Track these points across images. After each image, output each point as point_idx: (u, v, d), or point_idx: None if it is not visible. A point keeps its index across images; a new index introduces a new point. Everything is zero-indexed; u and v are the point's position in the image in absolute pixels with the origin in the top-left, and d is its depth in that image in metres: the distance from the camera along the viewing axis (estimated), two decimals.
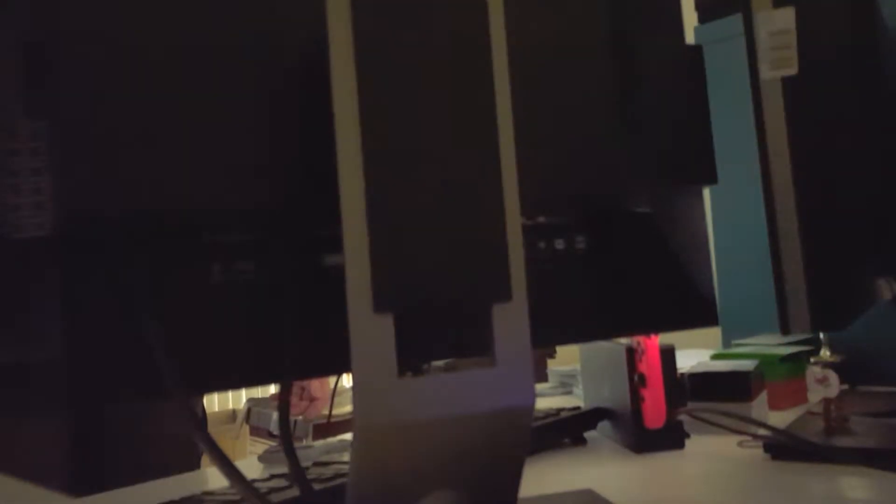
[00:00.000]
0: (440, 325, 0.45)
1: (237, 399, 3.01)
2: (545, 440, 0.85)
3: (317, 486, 0.63)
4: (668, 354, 0.80)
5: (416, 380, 0.40)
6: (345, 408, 2.12)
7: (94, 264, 0.39)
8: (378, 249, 0.39)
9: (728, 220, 1.37)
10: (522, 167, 0.43)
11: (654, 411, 0.78)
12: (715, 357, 1.03)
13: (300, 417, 1.21)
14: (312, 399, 1.18)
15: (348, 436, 1.01)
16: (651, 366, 0.79)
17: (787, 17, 0.59)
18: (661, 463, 0.75)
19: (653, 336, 0.79)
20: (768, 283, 0.60)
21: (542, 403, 1.08)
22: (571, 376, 1.27)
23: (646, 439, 0.79)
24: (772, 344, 1.07)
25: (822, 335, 0.79)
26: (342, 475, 0.66)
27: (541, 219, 0.52)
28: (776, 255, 0.60)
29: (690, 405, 0.85)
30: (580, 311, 0.53)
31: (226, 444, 2.61)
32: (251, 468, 0.88)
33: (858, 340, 0.98)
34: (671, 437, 0.79)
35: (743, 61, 0.61)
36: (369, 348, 0.39)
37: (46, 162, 0.39)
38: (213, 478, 0.88)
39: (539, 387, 1.30)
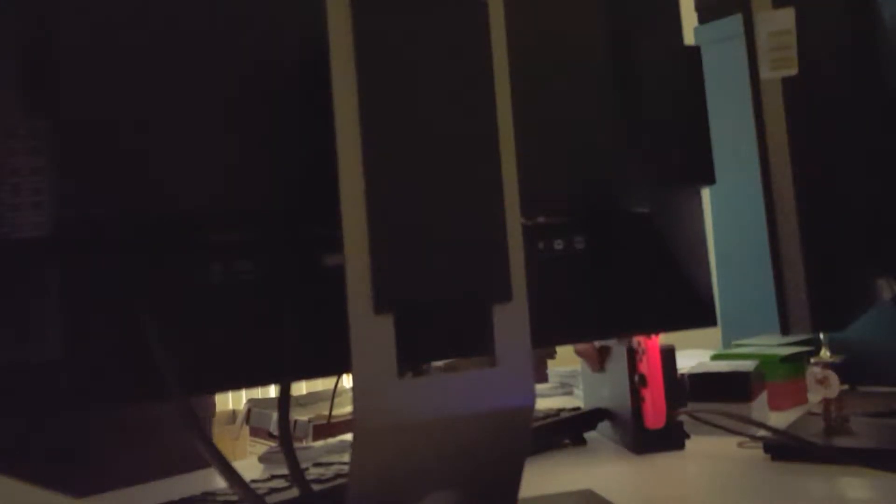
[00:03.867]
0: (440, 325, 0.45)
1: (237, 399, 3.01)
2: (545, 440, 0.85)
3: (317, 487, 0.63)
4: (668, 354, 0.80)
5: (416, 380, 0.40)
6: (345, 408, 2.12)
7: (93, 264, 0.39)
8: (378, 249, 0.39)
9: (728, 220, 1.37)
10: (522, 168, 0.43)
11: (654, 411, 0.78)
12: (715, 357, 1.03)
13: None
14: None
15: (348, 436, 1.01)
16: (651, 366, 0.79)
17: (787, 17, 0.59)
18: (661, 463, 0.75)
19: (653, 336, 0.79)
20: (768, 283, 0.60)
21: (542, 403, 1.08)
22: (571, 376, 1.27)
23: (646, 439, 0.79)
24: (772, 344, 1.06)
25: (822, 335, 0.79)
26: (342, 475, 0.66)
27: (541, 219, 0.52)
28: (776, 255, 0.60)
29: (690, 405, 0.85)
30: (580, 311, 0.53)
31: (226, 445, 2.61)
32: (251, 468, 0.88)
33: (858, 340, 0.98)
34: (671, 438, 0.79)
35: (743, 61, 0.61)
36: (369, 348, 0.39)
37: (46, 162, 0.39)
38: (213, 478, 0.88)
39: (539, 387, 1.30)
